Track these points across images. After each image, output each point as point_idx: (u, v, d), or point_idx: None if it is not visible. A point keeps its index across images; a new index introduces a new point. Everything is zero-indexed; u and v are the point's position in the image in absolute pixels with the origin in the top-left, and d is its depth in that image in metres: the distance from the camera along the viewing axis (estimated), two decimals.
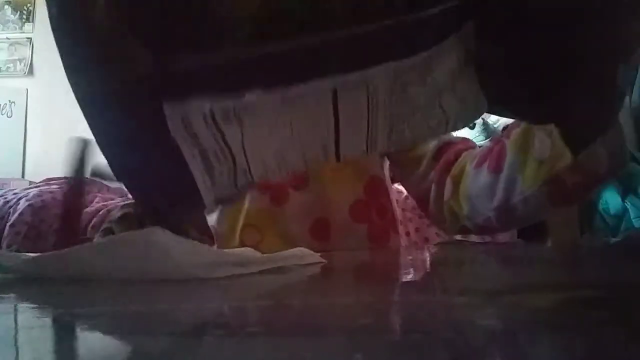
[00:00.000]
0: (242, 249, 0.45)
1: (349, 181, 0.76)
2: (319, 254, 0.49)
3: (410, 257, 0.62)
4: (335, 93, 0.38)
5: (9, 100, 2.93)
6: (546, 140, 0.52)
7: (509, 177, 0.57)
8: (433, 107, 0.42)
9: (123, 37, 0.36)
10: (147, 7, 0.36)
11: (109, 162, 0.41)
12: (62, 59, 0.39)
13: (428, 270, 0.51)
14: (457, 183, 0.65)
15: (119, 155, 0.40)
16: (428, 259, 0.59)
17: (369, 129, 0.40)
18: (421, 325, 0.23)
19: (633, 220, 1.68)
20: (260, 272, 0.40)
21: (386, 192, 0.79)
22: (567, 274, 0.39)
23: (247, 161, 0.39)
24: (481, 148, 0.66)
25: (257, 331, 0.23)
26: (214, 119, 0.38)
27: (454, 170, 0.67)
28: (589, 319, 0.23)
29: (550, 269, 0.46)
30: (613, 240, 0.66)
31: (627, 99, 2.27)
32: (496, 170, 0.59)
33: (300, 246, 0.70)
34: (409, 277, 0.45)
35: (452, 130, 0.45)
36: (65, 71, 0.39)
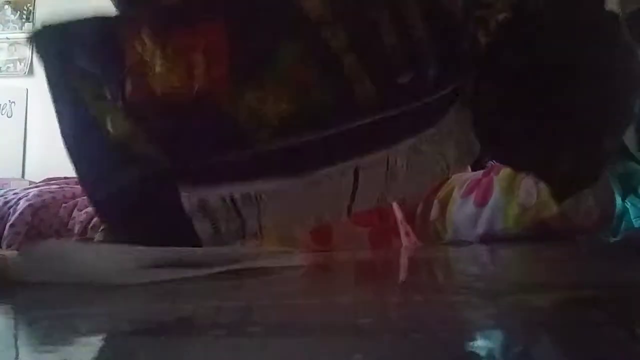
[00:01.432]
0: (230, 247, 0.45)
1: None
2: (314, 254, 0.49)
3: (410, 257, 0.62)
4: (357, 170, 0.39)
5: (9, 100, 2.92)
6: (532, 188, 0.53)
7: (491, 215, 0.61)
8: (438, 162, 0.43)
9: (141, 143, 0.36)
10: (166, 118, 0.36)
11: (107, 225, 0.41)
12: (75, 164, 0.39)
13: (428, 270, 0.51)
14: (443, 206, 0.68)
15: (124, 224, 0.40)
16: (428, 258, 0.59)
17: (382, 192, 0.42)
18: (421, 325, 0.23)
19: (633, 220, 1.67)
20: (261, 273, 0.40)
21: None
22: (567, 274, 0.39)
23: (259, 227, 0.40)
24: (470, 175, 0.67)
25: (257, 331, 0.23)
26: (233, 201, 0.38)
27: (442, 192, 0.69)
28: (589, 319, 0.23)
29: (550, 269, 0.46)
30: (613, 240, 0.66)
31: None
32: (481, 204, 0.62)
33: (302, 250, 0.70)
34: (409, 277, 0.45)
35: (452, 174, 0.47)
36: (76, 169, 0.39)
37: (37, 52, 0.39)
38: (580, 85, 0.41)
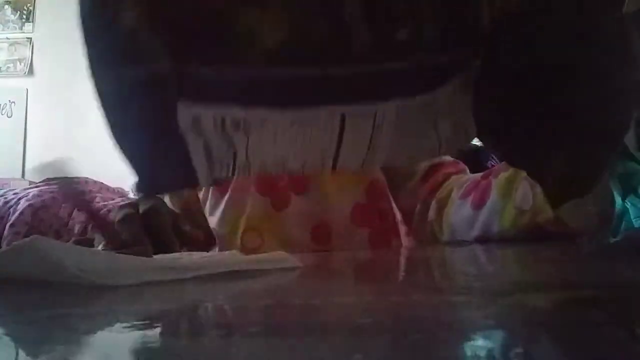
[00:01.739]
0: (228, 252, 0.45)
1: (350, 185, 0.76)
2: (317, 253, 0.49)
3: (410, 257, 0.62)
4: (343, 118, 0.40)
5: (9, 100, 2.93)
6: (529, 192, 0.54)
7: (487, 217, 0.61)
8: (428, 131, 0.43)
9: (147, 37, 0.37)
10: (174, 12, 0.37)
11: (117, 143, 0.41)
12: (87, 54, 0.40)
13: (428, 270, 0.51)
14: (441, 207, 0.68)
15: (128, 139, 0.41)
16: (428, 258, 0.59)
17: (368, 149, 0.42)
18: (421, 325, 0.23)
19: (633, 220, 1.67)
20: (260, 273, 0.40)
21: (387, 196, 0.79)
22: (567, 274, 0.39)
23: (247, 160, 0.40)
24: (469, 177, 0.68)
25: (257, 331, 0.23)
26: (223, 124, 0.39)
27: (440, 193, 0.69)
28: (589, 319, 0.23)
29: (550, 269, 0.46)
30: (613, 240, 0.66)
31: None
32: (478, 207, 0.62)
33: (302, 250, 0.70)
34: (409, 277, 0.45)
35: (444, 155, 0.47)
36: (88, 64, 0.40)
37: None
38: (581, 86, 0.41)
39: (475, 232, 0.63)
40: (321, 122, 0.40)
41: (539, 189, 0.53)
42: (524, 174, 0.56)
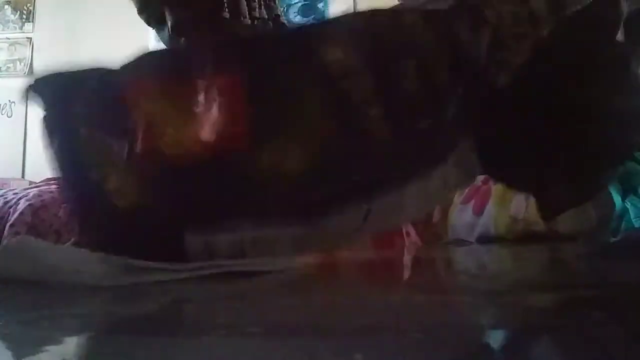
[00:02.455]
0: None
1: None
2: (317, 253, 0.49)
3: (411, 257, 0.62)
4: (369, 210, 0.38)
5: (9, 100, 2.92)
6: (523, 203, 0.55)
7: (485, 223, 0.64)
8: (439, 183, 0.43)
9: (149, 210, 0.35)
10: (176, 179, 0.34)
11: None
12: (80, 226, 0.39)
13: (428, 270, 0.51)
14: (445, 210, 0.71)
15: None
16: (428, 259, 0.59)
17: (394, 221, 0.42)
18: (421, 325, 0.23)
19: (633, 220, 1.67)
20: (261, 273, 0.40)
21: None
22: (567, 274, 0.39)
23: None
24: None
25: (257, 331, 0.23)
26: (241, 244, 0.37)
27: None
28: (589, 319, 0.23)
29: (550, 269, 0.46)
30: (613, 240, 0.66)
31: None
32: (478, 213, 0.65)
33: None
34: (409, 277, 0.45)
35: (451, 196, 0.48)
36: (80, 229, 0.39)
37: (38, 101, 0.37)
38: (585, 121, 0.41)
39: (476, 235, 0.65)
40: (344, 221, 0.38)
41: (532, 200, 0.54)
42: None
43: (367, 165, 0.37)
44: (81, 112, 0.35)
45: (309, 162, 0.35)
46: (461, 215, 0.67)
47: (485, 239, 0.63)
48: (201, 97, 0.33)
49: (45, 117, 0.36)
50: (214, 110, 0.32)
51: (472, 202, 0.66)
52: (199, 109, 0.33)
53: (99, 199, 0.35)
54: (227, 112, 0.32)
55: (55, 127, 0.35)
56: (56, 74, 0.36)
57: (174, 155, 0.33)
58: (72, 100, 0.35)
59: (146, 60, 0.34)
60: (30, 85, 0.36)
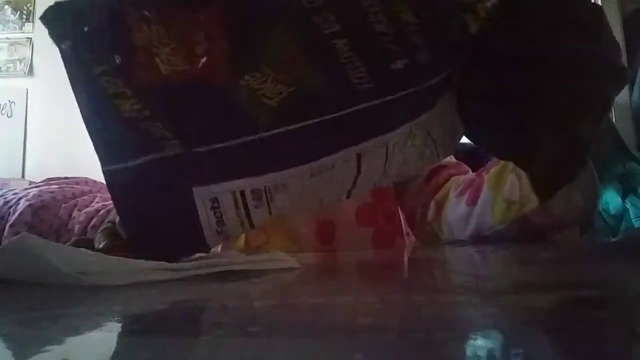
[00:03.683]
0: (227, 252, 0.45)
1: None
2: (316, 253, 0.49)
3: (411, 258, 0.62)
4: (359, 156, 0.41)
5: (9, 100, 2.92)
6: (516, 182, 0.55)
7: (481, 212, 0.62)
8: (426, 140, 0.44)
9: (152, 126, 0.37)
10: (175, 99, 0.37)
11: (120, 211, 0.41)
12: (91, 135, 0.39)
13: (428, 270, 0.51)
14: (440, 207, 0.70)
15: (135, 209, 0.40)
16: (428, 259, 0.59)
17: (381, 175, 0.42)
18: (421, 325, 0.23)
19: (633, 220, 1.68)
20: (260, 273, 0.40)
21: (392, 196, 0.80)
22: (567, 274, 0.39)
23: (266, 216, 0.42)
24: (466, 177, 0.69)
25: (257, 331, 0.23)
26: (243, 196, 0.39)
27: (439, 194, 0.72)
28: (589, 319, 0.23)
29: (550, 269, 0.46)
30: (613, 240, 0.66)
31: (627, 98, 2.28)
32: (472, 203, 0.64)
33: (306, 248, 0.70)
34: (409, 277, 0.45)
35: (443, 158, 0.48)
36: (98, 154, 0.39)
37: (50, 33, 0.39)
38: (560, 75, 0.42)
39: (471, 227, 0.64)
40: (339, 166, 0.41)
41: (525, 181, 0.54)
42: (511, 166, 0.58)
43: (346, 100, 0.38)
44: (88, 42, 0.38)
45: (285, 89, 0.37)
46: (455, 209, 0.67)
47: (480, 233, 0.62)
48: (191, 26, 0.36)
49: (60, 50, 0.38)
50: (201, 39, 0.36)
51: (466, 194, 0.65)
52: (188, 34, 0.36)
53: (106, 108, 0.37)
54: (211, 40, 0.36)
55: (68, 59, 0.38)
56: (59, 5, 0.38)
57: (168, 76, 0.36)
58: (79, 31, 0.37)
59: None
60: (43, 18, 0.38)
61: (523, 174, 0.54)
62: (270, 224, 0.74)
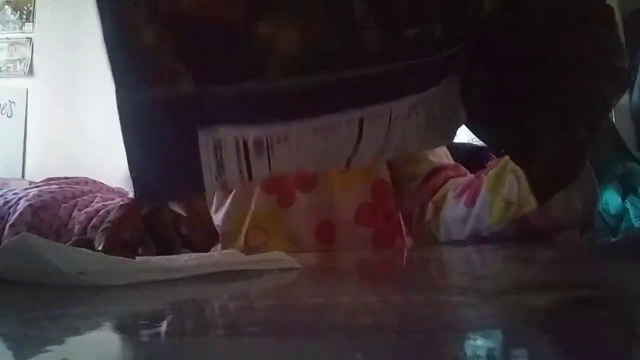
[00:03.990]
0: (227, 251, 0.45)
1: (356, 184, 0.76)
2: (316, 253, 0.49)
3: (411, 258, 0.62)
4: (362, 121, 0.41)
5: (9, 100, 2.92)
6: (515, 184, 0.55)
7: (479, 213, 0.63)
8: (429, 119, 0.44)
9: (168, 57, 0.38)
10: (192, 34, 0.38)
11: (125, 138, 0.41)
12: (112, 70, 0.39)
13: (428, 270, 0.51)
14: (438, 208, 0.70)
15: (140, 139, 0.41)
16: (428, 259, 0.59)
17: (382, 146, 0.43)
18: (421, 325, 0.23)
19: (633, 220, 1.68)
20: (260, 273, 0.40)
21: (392, 197, 0.80)
22: (567, 274, 0.39)
23: (265, 170, 0.42)
24: (464, 179, 0.69)
25: (257, 331, 0.23)
26: (245, 146, 0.40)
27: (437, 195, 0.72)
28: (589, 319, 0.23)
29: (550, 269, 0.46)
30: (613, 240, 0.66)
31: (627, 98, 2.28)
32: (471, 204, 0.64)
33: (306, 248, 0.70)
34: (409, 277, 0.45)
35: (443, 144, 0.48)
36: (114, 78, 0.40)
37: None
38: (560, 75, 0.42)
39: (469, 228, 0.64)
40: (341, 127, 0.41)
41: (524, 182, 0.54)
42: (510, 167, 0.58)
43: (357, 61, 0.39)
44: None
45: (299, 42, 0.38)
46: (453, 210, 0.67)
47: (478, 233, 0.62)
48: None
49: None
50: None
51: (465, 195, 0.66)
52: None
53: (128, 35, 0.38)
54: None
55: None
56: None
57: (187, 9, 0.37)
58: None
59: None
60: None
61: (522, 175, 0.54)
62: (270, 224, 0.74)
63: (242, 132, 0.40)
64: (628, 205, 1.67)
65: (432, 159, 0.76)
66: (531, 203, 0.55)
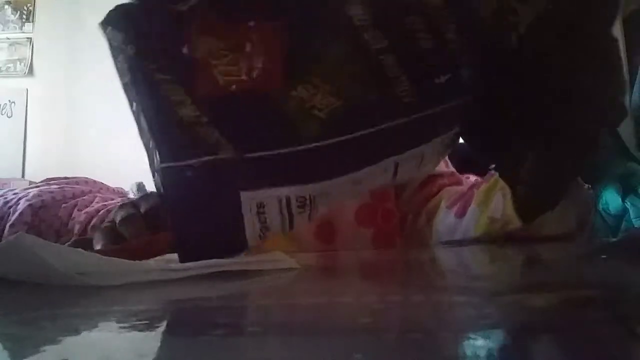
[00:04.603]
0: None
1: None
2: (316, 253, 0.49)
3: (410, 258, 0.62)
4: (397, 165, 0.43)
5: (9, 100, 2.92)
6: (501, 201, 0.57)
7: (466, 225, 0.64)
8: (436, 145, 0.46)
9: (208, 130, 0.39)
10: (229, 107, 0.40)
11: (170, 207, 0.43)
12: (155, 143, 0.41)
13: (428, 270, 0.51)
14: (430, 216, 0.72)
15: (184, 207, 0.42)
16: (428, 259, 0.59)
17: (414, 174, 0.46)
18: (421, 325, 0.23)
19: (633, 220, 1.67)
20: (260, 273, 0.40)
21: (392, 197, 0.80)
22: (567, 274, 0.39)
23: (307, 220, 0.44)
24: (459, 189, 0.72)
25: (257, 331, 0.23)
26: (288, 203, 0.41)
27: (431, 203, 0.73)
28: (589, 319, 0.23)
29: (550, 269, 0.46)
30: (613, 240, 0.66)
31: (627, 99, 2.27)
32: (460, 216, 0.66)
33: (306, 247, 0.71)
34: (409, 277, 0.45)
35: (437, 164, 0.50)
36: (158, 151, 0.41)
37: (112, 36, 0.41)
38: (560, 104, 0.44)
39: (457, 237, 0.66)
40: (377, 174, 0.43)
41: (509, 201, 0.56)
42: (500, 185, 0.59)
43: (392, 112, 0.41)
44: (151, 48, 0.40)
45: (335, 102, 0.39)
46: (444, 219, 0.69)
47: (465, 242, 0.64)
48: (248, 38, 0.39)
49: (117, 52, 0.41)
50: (258, 50, 0.39)
51: (456, 206, 0.68)
52: (247, 49, 0.39)
53: (168, 112, 0.40)
54: (267, 53, 0.39)
55: (127, 65, 0.40)
56: (122, 10, 0.40)
57: (224, 85, 0.39)
58: (141, 38, 0.40)
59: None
60: (103, 23, 0.40)
61: (507, 194, 0.55)
62: None
63: (284, 191, 0.41)
64: (628, 205, 1.66)
65: None
66: (515, 221, 0.56)
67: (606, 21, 0.44)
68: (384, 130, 0.40)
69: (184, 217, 0.42)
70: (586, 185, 0.56)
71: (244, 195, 0.41)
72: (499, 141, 0.48)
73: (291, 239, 0.74)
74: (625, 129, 2.19)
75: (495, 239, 0.60)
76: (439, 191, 0.74)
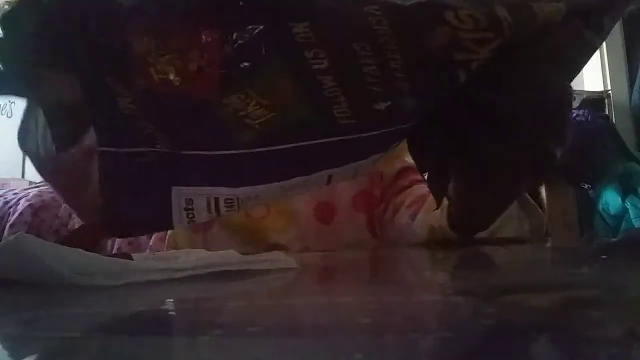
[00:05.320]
0: (225, 251, 0.46)
1: None
2: (316, 253, 0.49)
3: (410, 258, 0.62)
4: (330, 176, 0.44)
5: (9, 100, 2.92)
6: (437, 212, 0.58)
7: (414, 228, 0.68)
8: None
9: (145, 123, 0.40)
10: (164, 105, 0.40)
11: (102, 189, 0.44)
12: (93, 117, 0.42)
13: (428, 270, 0.51)
14: (395, 211, 0.75)
15: (117, 191, 0.44)
16: (428, 259, 0.59)
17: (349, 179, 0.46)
18: (421, 325, 0.23)
19: (633, 220, 1.68)
20: (259, 273, 0.40)
21: (380, 183, 0.81)
22: (567, 274, 0.39)
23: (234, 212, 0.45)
24: (424, 190, 0.73)
25: (257, 331, 0.23)
26: (217, 204, 0.42)
27: (398, 198, 0.76)
28: (589, 319, 0.23)
29: (550, 269, 0.46)
30: (613, 240, 0.66)
31: (627, 98, 2.28)
32: (412, 219, 0.69)
33: (303, 226, 0.72)
34: (409, 277, 0.46)
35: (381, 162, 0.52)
36: (93, 124, 0.43)
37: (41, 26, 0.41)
38: (499, 144, 0.44)
39: (406, 239, 0.69)
40: (309, 183, 0.43)
41: (444, 214, 0.58)
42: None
43: (326, 131, 0.40)
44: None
45: (268, 114, 0.39)
46: (401, 218, 0.72)
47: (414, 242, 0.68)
48: (189, 40, 0.39)
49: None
50: (194, 56, 0.38)
51: (413, 207, 0.70)
52: (185, 49, 0.39)
53: (108, 101, 0.40)
54: (204, 60, 0.38)
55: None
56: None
57: (159, 84, 0.39)
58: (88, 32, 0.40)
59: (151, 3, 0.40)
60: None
61: (444, 208, 0.57)
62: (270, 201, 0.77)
63: (214, 192, 0.42)
64: (628, 205, 1.67)
65: (406, 158, 0.77)
66: (449, 234, 0.59)
67: (565, 73, 0.44)
68: (319, 145, 0.41)
69: (116, 201, 0.43)
70: (586, 186, 0.58)
71: (175, 190, 0.42)
72: (434, 155, 0.49)
73: (291, 215, 0.74)
74: (625, 129, 2.20)
75: (436, 244, 0.62)
76: (409, 186, 0.76)
